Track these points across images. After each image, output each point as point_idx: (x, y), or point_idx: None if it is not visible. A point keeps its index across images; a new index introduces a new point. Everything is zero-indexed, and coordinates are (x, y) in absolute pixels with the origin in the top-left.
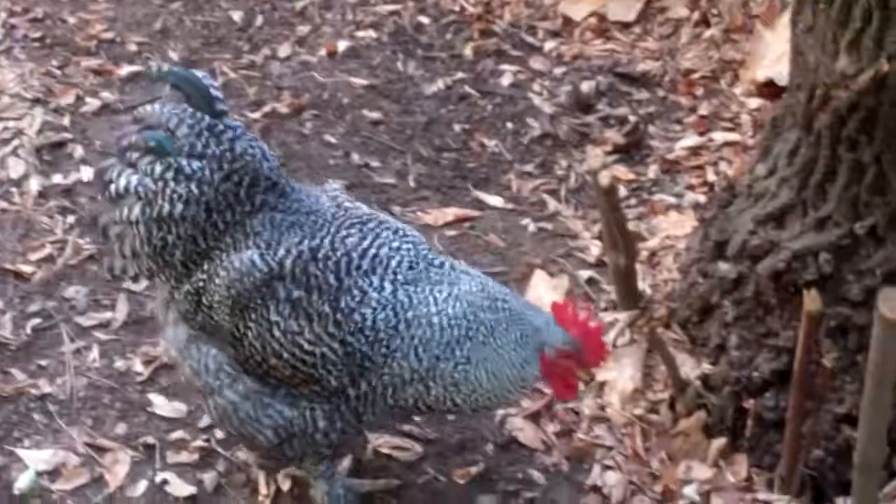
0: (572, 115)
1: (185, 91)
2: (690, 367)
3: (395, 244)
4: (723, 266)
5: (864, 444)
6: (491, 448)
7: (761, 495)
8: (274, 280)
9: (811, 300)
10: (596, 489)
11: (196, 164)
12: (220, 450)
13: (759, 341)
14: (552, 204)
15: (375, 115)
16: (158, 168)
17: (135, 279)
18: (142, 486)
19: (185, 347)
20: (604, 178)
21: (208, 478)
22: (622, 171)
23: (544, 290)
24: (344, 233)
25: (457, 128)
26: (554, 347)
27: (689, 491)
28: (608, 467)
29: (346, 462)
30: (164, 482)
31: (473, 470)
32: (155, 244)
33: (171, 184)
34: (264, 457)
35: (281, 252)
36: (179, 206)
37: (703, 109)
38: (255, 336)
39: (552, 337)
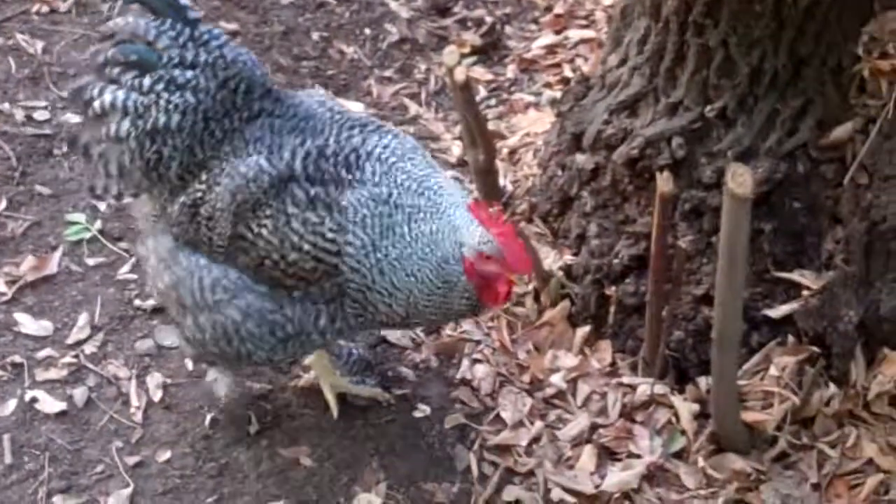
0: (429, 18)
1: (152, 4)
2: (553, 259)
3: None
4: (580, 157)
5: (720, 321)
6: (361, 349)
7: (626, 379)
8: (285, 181)
9: (664, 182)
10: (465, 382)
11: (189, 73)
12: (89, 365)
13: (617, 229)
14: (413, 108)
15: (232, 26)
16: (147, 81)
17: (118, 198)
18: (11, 404)
19: (168, 255)
20: (459, 74)
21: (78, 393)
22: (481, 72)
23: None
24: (346, 133)
25: (315, 36)
26: (473, 249)
27: (556, 379)
28: (476, 361)
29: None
30: (34, 400)
31: None
32: (148, 158)
33: (165, 95)
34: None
35: (287, 154)
36: (176, 117)
37: (559, 8)
38: (270, 232)
39: (470, 236)
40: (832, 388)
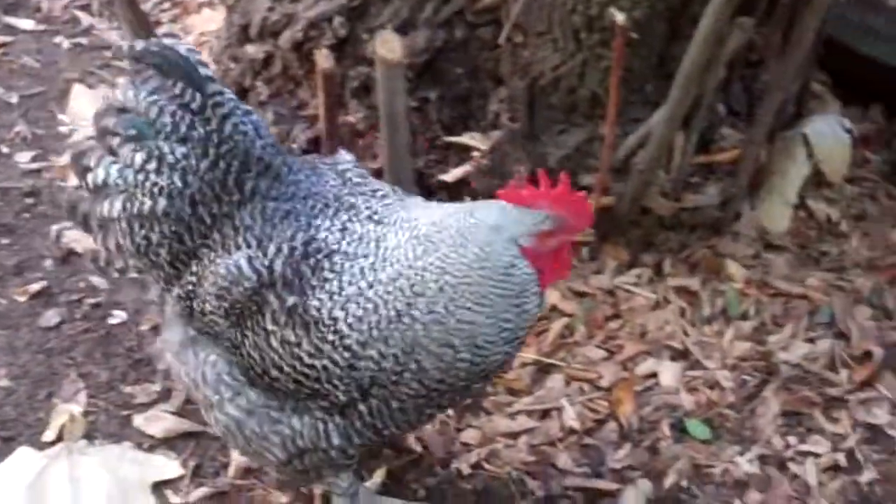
0: None
1: (165, 68)
2: None
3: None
4: (249, 48)
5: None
6: (50, 263)
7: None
8: (263, 288)
9: (323, 59)
10: None
11: (180, 150)
12: None
13: (293, 114)
14: (85, 19)
15: None
16: (139, 157)
17: (122, 272)
18: None
19: (179, 352)
20: None
21: None
22: None
23: (86, 104)
24: (345, 217)
25: None
26: (528, 236)
27: None
28: None
29: (377, 477)
30: None
31: (34, 287)
32: (138, 243)
33: (153, 176)
34: (282, 473)
35: (271, 251)
36: (162, 202)
37: None
38: (252, 346)
39: (519, 225)
40: None
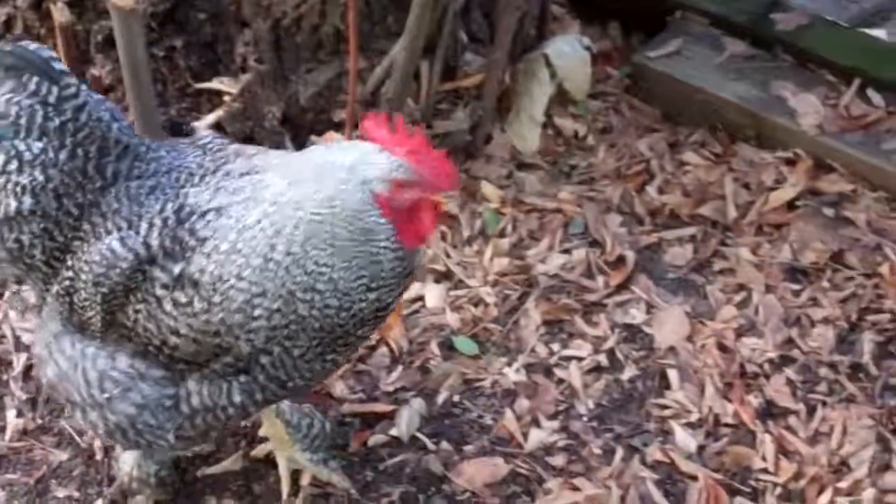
0: None
1: (20, 68)
2: None
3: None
4: None
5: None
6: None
7: None
8: (145, 264)
9: (59, 13)
10: None
11: (37, 145)
12: None
13: None
14: None
15: None
16: (1, 159)
17: (2, 285)
18: None
19: (54, 344)
20: None
21: None
22: None
23: None
24: (211, 179)
25: None
26: (383, 180)
27: None
28: None
29: None
30: None
31: None
32: (10, 248)
33: (14, 176)
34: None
35: (144, 227)
36: (27, 200)
37: None
38: (146, 317)
39: (375, 169)
40: None
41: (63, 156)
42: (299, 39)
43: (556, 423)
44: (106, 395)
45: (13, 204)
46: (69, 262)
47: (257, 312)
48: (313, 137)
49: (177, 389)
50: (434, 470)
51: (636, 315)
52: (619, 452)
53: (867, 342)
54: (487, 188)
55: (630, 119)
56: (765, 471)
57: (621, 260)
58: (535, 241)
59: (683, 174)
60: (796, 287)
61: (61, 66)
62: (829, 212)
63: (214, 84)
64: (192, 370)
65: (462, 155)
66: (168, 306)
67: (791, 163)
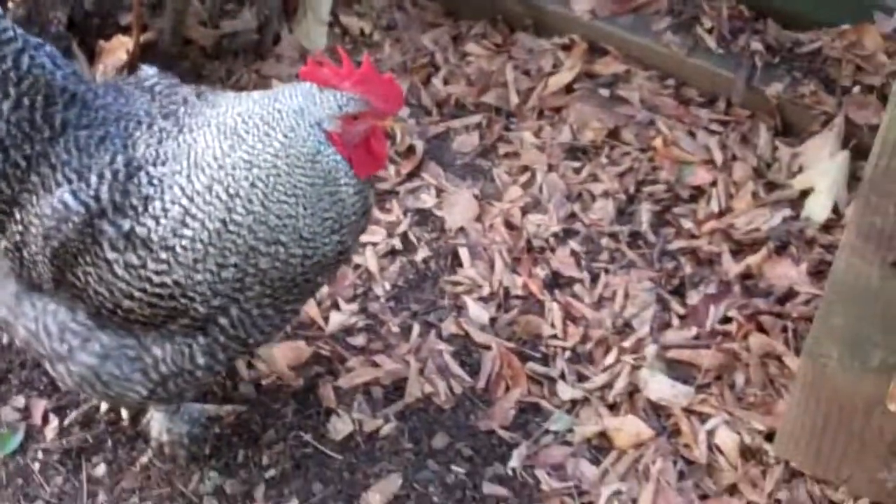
0: None
1: None
2: None
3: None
4: None
5: None
6: None
7: None
8: (95, 219)
9: None
10: None
11: None
12: None
13: None
14: None
15: None
16: None
17: None
18: None
19: (15, 305)
20: None
21: None
22: None
23: None
24: (158, 129)
25: None
26: (333, 118)
27: None
28: None
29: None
30: None
31: None
32: None
33: None
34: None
35: (94, 180)
36: None
37: None
38: (97, 281)
39: (323, 108)
40: None
41: (7, 106)
42: None
43: (354, 306)
44: (66, 346)
45: None
46: (18, 216)
47: (217, 274)
48: (101, 42)
49: (137, 342)
50: None
51: (427, 200)
52: (416, 329)
53: (645, 212)
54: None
55: (413, 15)
56: (554, 337)
57: (411, 150)
58: None
59: (467, 65)
60: (577, 165)
61: None
62: (604, 92)
63: None
64: (148, 329)
65: (251, 55)
66: (119, 270)
67: (567, 48)
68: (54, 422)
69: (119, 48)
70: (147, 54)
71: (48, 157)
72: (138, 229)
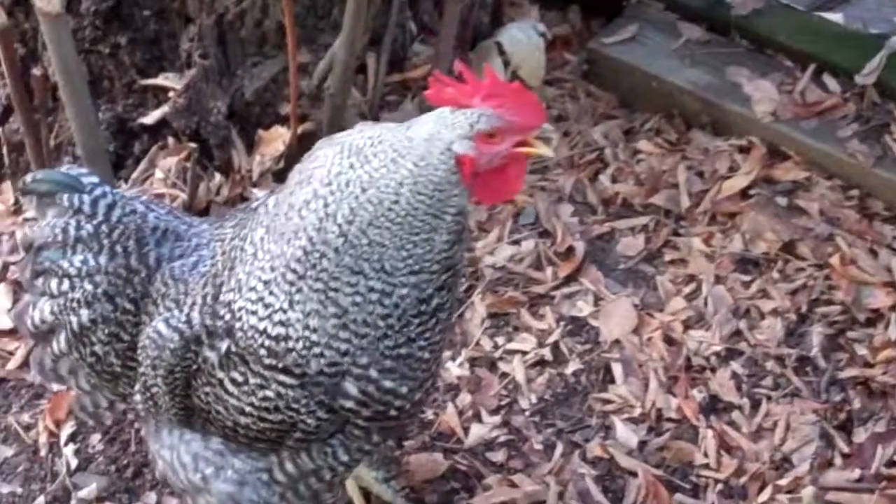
0: None
1: (54, 191)
2: None
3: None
4: None
5: (79, 134)
6: None
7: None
8: (193, 345)
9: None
10: None
11: (77, 258)
12: None
13: None
14: None
15: None
16: (54, 284)
17: (110, 409)
18: None
19: (154, 436)
20: None
21: None
22: None
23: None
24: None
25: None
26: (465, 139)
27: None
28: None
29: None
30: None
31: None
32: (90, 363)
33: (70, 294)
34: None
35: (188, 304)
36: (85, 312)
37: None
38: (215, 401)
39: (453, 131)
40: (218, 177)
41: (104, 259)
42: (243, 34)
43: (497, 418)
44: (199, 476)
45: (75, 320)
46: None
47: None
48: (260, 131)
49: (270, 463)
50: None
51: (583, 307)
52: (560, 448)
53: (816, 335)
54: None
55: (586, 106)
56: (706, 466)
57: (571, 250)
58: (485, 232)
59: (637, 163)
60: (746, 278)
61: (90, 178)
62: (782, 200)
63: (160, 80)
64: (271, 449)
65: None
66: (230, 385)
67: (745, 150)
68: None
69: (277, 138)
70: (305, 145)
71: (150, 295)
72: (234, 345)
